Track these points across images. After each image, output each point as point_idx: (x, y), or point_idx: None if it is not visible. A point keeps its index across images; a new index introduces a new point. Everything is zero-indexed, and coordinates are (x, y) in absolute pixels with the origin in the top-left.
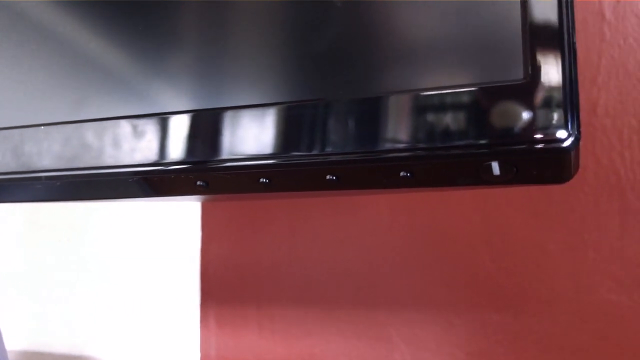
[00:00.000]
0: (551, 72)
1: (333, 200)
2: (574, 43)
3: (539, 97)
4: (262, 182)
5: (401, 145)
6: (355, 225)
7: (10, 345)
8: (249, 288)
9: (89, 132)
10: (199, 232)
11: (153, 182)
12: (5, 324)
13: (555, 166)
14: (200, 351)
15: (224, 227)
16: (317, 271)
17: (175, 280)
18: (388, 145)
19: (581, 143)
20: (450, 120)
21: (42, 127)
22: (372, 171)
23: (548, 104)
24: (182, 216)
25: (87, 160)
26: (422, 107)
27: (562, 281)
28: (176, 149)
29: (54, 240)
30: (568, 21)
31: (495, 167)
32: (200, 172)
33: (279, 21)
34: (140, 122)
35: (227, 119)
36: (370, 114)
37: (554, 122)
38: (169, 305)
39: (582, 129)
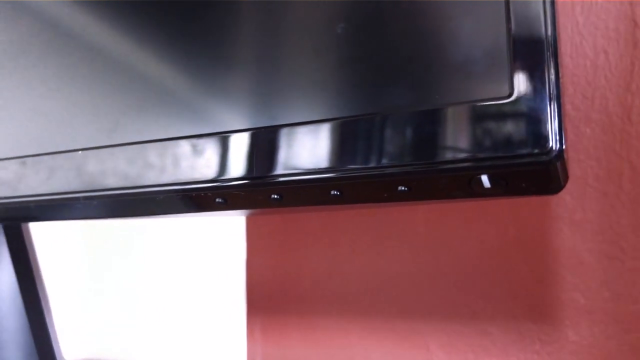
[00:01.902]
0: (534, 87)
1: (370, 211)
2: (557, 59)
3: (523, 112)
4: (274, 197)
5: (396, 161)
6: (392, 237)
7: (70, 356)
8: (292, 299)
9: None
10: (245, 245)
11: (176, 199)
12: (65, 336)
13: (542, 178)
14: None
15: (267, 240)
16: (356, 282)
17: (223, 293)
18: (384, 161)
19: (568, 155)
20: (440, 135)
21: (80, 152)
22: (371, 186)
23: (532, 118)
24: (228, 230)
25: (122, 180)
26: (413, 124)
27: (600, 291)
28: (202, 169)
29: (110, 255)
30: (551, 38)
31: (486, 180)
32: (219, 190)
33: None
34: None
35: (226, 141)
36: (361, 133)
37: (537, 136)
38: (218, 316)
39: (616, 135)
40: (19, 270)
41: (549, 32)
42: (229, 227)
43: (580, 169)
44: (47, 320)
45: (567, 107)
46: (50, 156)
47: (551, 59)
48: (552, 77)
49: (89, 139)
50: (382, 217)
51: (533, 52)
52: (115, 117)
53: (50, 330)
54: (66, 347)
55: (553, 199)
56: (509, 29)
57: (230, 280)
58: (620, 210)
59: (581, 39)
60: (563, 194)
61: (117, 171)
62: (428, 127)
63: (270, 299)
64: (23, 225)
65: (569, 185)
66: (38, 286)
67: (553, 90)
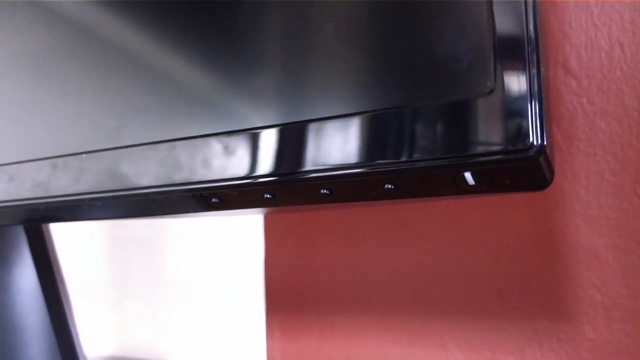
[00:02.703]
0: (515, 84)
1: (386, 209)
2: (538, 54)
3: (504, 108)
4: (267, 197)
5: (381, 159)
6: (407, 234)
7: (93, 353)
8: (310, 297)
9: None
10: (263, 244)
11: (175, 200)
12: (89, 333)
13: (526, 174)
14: (267, 358)
15: (285, 239)
16: (373, 280)
17: (242, 292)
18: (370, 160)
19: (553, 150)
20: (423, 133)
21: (84, 155)
22: (359, 185)
23: (512, 115)
24: (246, 229)
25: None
26: (395, 122)
27: (617, 287)
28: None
29: (132, 253)
30: (532, 34)
31: (469, 177)
32: (213, 190)
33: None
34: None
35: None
36: (346, 133)
37: (518, 132)
38: (237, 314)
39: (632, 128)
40: (40, 269)
41: (531, 29)
42: (249, 225)
43: (595, 163)
44: (68, 318)
45: (582, 100)
46: (63, 158)
47: (533, 55)
48: (534, 73)
49: (94, 141)
50: (398, 215)
51: (514, 49)
52: (122, 119)
53: (71, 327)
54: (88, 344)
55: (569, 194)
56: (491, 26)
57: (249, 278)
58: (638, 205)
59: (596, 30)
60: (579, 189)
61: (122, 172)
62: (411, 124)
63: (289, 297)
64: (43, 224)
65: (584, 180)
66: (59, 285)
67: (534, 86)
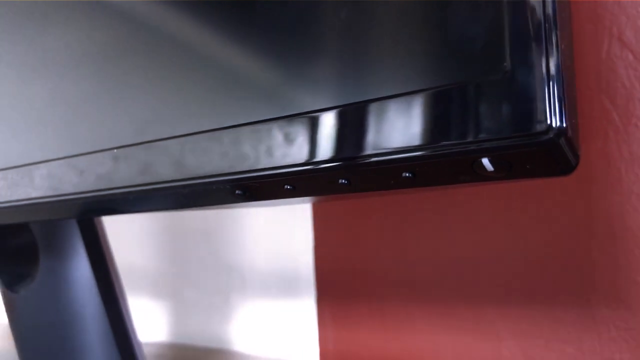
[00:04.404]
0: (533, 64)
1: (435, 194)
2: (557, 32)
3: (520, 90)
4: (287, 188)
5: (397, 147)
6: (458, 220)
7: (151, 340)
8: (360, 286)
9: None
10: (312, 232)
11: (198, 192)
12: (147, 321)
13: (547, 159)
14: (319, 346)
15: (334, 227)
16: (423, 267)
17: (295, 280)
18: (385, 147)
19: (577, 134)
20: (437, 118)
21: (115, 150)
22: (377, 173)
23: (530, 96)
24: (298, 218)
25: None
26: (409, 107)
27: None
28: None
29: (191, 244)
30: (550, 12)
31: (487, 163)
32: (236, 182)
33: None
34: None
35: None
36: (361, 120)
37: (536, 114)
38: (291, 304)
39: None
40: (93, 261)
41: (549, 3)
42: (301, 213)
43: None
44: (122, 306)
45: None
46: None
47: (551, 33)
48: (552, 51)
49: (124, 137)
50: (446, 200)
51: (531, 27)
52: (152, 114)
53: (125, 315)
54: (146, 331)
55: (626, 174)
56: (506, 4)
57: (302, 266)
58: None
59: None
60: (637, 169)
61: (159, 165)
62: (424, 109)
63: (339, 285)
64: (95, 218)
65: None
66: (112, 275)
67: (553, 65)
